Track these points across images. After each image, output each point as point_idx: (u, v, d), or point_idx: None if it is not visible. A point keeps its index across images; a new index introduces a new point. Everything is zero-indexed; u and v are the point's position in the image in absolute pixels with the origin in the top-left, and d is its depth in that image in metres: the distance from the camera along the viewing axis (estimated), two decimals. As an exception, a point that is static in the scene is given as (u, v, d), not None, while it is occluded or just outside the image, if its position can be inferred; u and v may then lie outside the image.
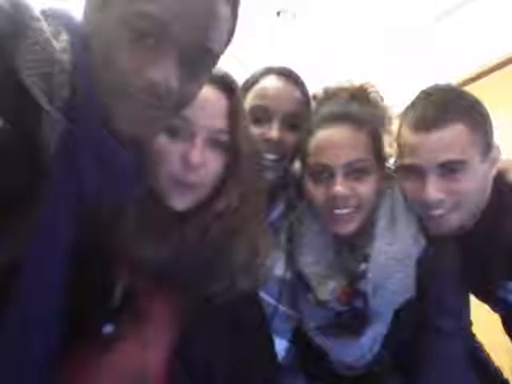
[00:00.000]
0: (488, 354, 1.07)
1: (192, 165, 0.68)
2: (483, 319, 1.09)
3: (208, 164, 0.70)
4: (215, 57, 0.59)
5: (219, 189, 0.73)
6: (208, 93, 0.70)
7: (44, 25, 0.50)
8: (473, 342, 1.04)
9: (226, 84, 0.74)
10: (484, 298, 1.02)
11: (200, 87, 0.61)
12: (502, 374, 1.06)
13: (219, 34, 0.57)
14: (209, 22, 0.54)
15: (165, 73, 0.52)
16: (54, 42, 0.51)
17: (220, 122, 0.72)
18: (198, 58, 0.56)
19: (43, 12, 0.53)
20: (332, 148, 0.88)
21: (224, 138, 0.72)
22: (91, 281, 0.61)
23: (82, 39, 0.54)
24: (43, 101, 0.48)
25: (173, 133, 0.69)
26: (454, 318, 0.90)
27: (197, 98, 0.64)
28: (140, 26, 0.51)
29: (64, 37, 0.52)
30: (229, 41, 0.62)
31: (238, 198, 0.74)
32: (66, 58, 0.51)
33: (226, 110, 0.73)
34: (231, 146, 0.73)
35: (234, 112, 0.73)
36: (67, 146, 0.51)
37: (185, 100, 0.60)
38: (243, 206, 0.74)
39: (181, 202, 0.70)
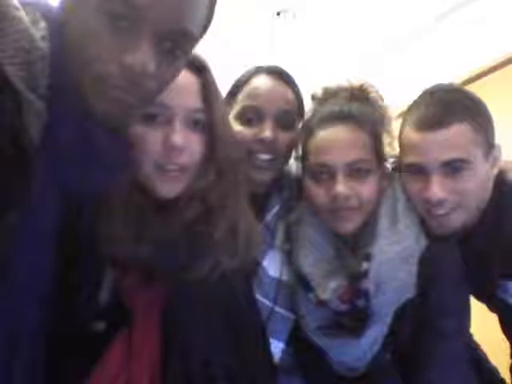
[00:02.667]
0: (485, 354, 1.07)
1: (175, 148, 0.68)
2: (481, 318, 1.09)
3: (190, 146, 0.70)
4: (193, 40, 0.58)
5: (199, 170, 0.73)
6: (180, 75, 0.70)
7: (23, 13, 0.50)
8: (470, 342, 1.04)
9: (196, 64, 0.74)
10: (483, 297, 1.02)
11: (178, 71, 0.61)
12: (498, 374, 1.06)
13: (196, 16, 0.56)
14: (185, 4, 0.53)
15: (141, 57, 0.51)
16: (34, 31, 0.50)
17: (195, 102, 0.72)
18: (175, 41, 0.55)
19: (21, 1, 0.52)
20: (333, 148, 0.88)
21: (200, 116, 0.72)
22: (77, 279, 0.61)
23: (59, 27, 0.54)
24: (25, 90, 0.47)
25: (149, 120, 0.68)
26: (454, 318, 0.90)
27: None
28: (114, 9, 0.50)
29: (42, 25, 0.52)
30: (207, 24, 0.61)
31: (216, 175, 0.74)
32: (45, 45, 0.51)
33: (199, 90, 0.73)
34: (207, 124, 0.73)
35: (206, 91, 0.73)
36: (50, 134, 0.51)
37: (162, 84, 0.59)
38: (221, 183, 0.74)
39: (170, 190, 0.70)
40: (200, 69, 0.74)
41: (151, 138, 0.68)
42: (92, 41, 0.51)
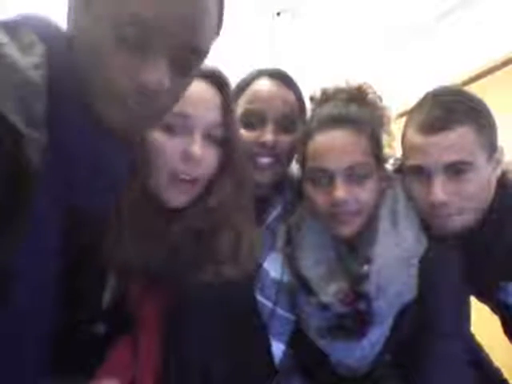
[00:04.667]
0: (487, 355, 1.07)
1: (194, 158, 0.69)
2: (483, 319, 1.09)
3: (207, 158, 0.71)
4: (204, 55, 0.59)
5: (210, 183, 0.74)
6: (202, 88, 0.72)
7: (10, 47, 0.48)
8: (472, 343, 1.04)
9: (217, 79, 0.75)
10: (484, 299, 1.02)
11: (188, 85, 0.61)
12: (501, 375, 1.05)
13: (207, 33, 0.57)
14: (199, 22, 0.54)
15: (157, 75, 0.52)
16: (24, 61, 0.49)
17: (215, 117, 0.73)
18: (188, 57, 0.55)
19: (15, 22, 0.52)
20: (332, 152, 0.87)
21: (219, 132, 0.73)
22: (81, 283, 0.61)
23: (62, 48, 0.53)
24: (20, 124, 0.47)
25: (170, 130, 0.69)
26: (453, 318, 0.90)
27: (191, 94, 0.64)
28: (128, 32, 0.50)
29: (38, 49, 0.51)
30: (216, 36, 0.62)
31: (230, 189, 0.75)
32: (38, 74, 0.50)
33: (219, 105, 0.74)
34: (225, 140, 0.74)
35: (226, 106, 0.75)
36: (51, 160, 0.50)
37: (174, 98, 0.60)
38: (231, 199, 0.75)
39: (180, 199, 0.71)
40: (222, 85, 0.75)
41: (170, 147, 0.69)
42: (106, 61, 0.51)
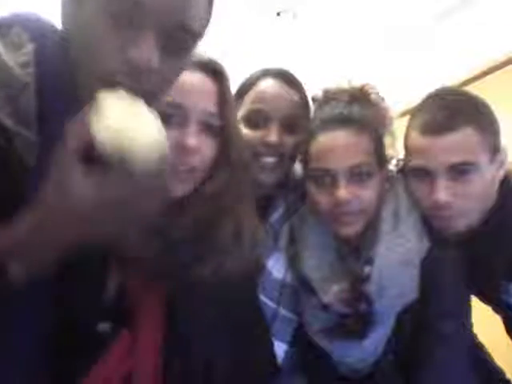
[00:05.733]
0: (489, 355, 1.07)
1: (189, 149, 0.68)
2: (484, 319, 1.09)
3: (203, 148, 0.71)
4: (195, 36, 0.58)
5: (209, 173, 0.74)
6: (197, 78, 0.72)
7: None
8: (474, 343, 1.04)
9: (213, 69, 0.75)
10: (486, 299, 1.02)
11: (182, 69, 0.61)
12: (504, 375, 1.06)
13: (197, 12, 0.56)
14: (189, 0, 0.53)
15: (146, 51, 0.51)
16: (13, 61, 0.50)
17: (211, 106, 0.73)
18: (178, 37, 0.55)
19: (7, 21, 0.53)
20: (334, 152, 0.87)
21: (215, 122, 0.73)
22: (83, 280, 0.61)
23: (53, 43, 0.54)
24: (13, 125, 0.47)
25: (165, 121, 0.69)
26: (453, 319, 0.90)
27: (185, 84, 0.64)
28: (117, 8, 0.50)
29: (27, 48, 0.52)
30: (208, 20, 0.61)
31: (227, 178, 0.74)
32: (26, 72, 0.50)
33: (215, 95, 0.73)
34: (222, 130, 0.74)
35: (223, 96, 0.74)
36: (44, 156, 0.50)
37: (166, 82, 0.59)
38: (231, 189, 0.75)
39: (178, 190, 0.71)
40: (217, 74, 0.75)
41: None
42: (96, 42, 0.51)
